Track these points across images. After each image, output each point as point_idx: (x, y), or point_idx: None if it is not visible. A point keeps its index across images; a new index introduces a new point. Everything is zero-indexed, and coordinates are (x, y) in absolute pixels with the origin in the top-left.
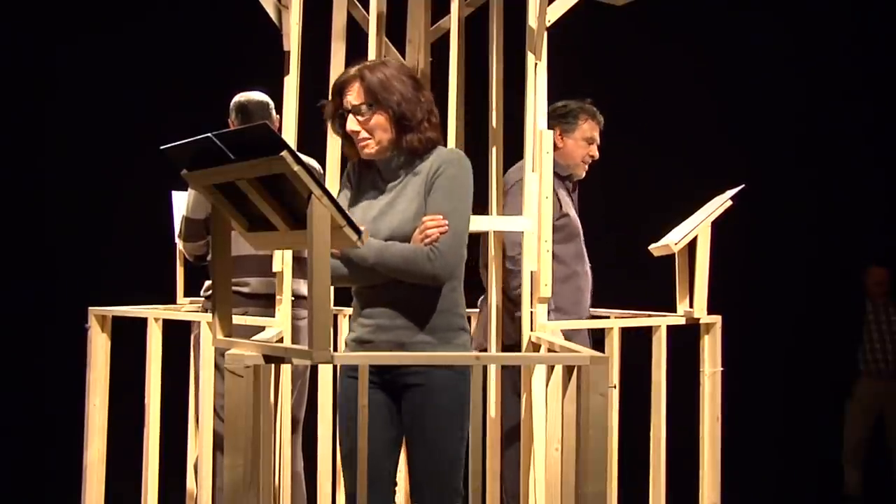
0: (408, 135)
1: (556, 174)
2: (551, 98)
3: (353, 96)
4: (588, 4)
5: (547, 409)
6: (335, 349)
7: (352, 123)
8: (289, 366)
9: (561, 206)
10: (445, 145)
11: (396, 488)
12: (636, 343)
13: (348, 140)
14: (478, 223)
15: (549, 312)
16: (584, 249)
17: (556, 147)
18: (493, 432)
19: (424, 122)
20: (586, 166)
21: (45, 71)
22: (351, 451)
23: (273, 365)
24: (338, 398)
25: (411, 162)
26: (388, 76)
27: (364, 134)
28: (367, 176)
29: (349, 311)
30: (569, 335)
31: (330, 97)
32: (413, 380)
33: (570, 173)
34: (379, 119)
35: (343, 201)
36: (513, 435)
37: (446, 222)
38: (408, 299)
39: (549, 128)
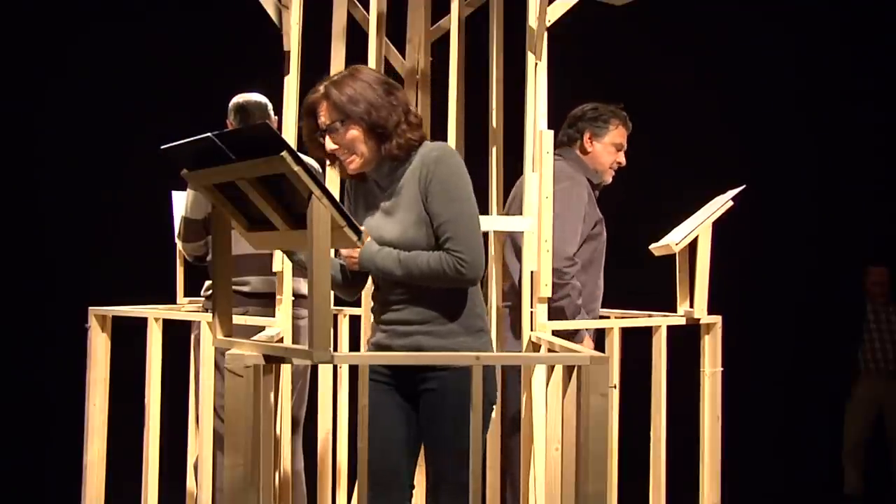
0: (386, 143)
1: (588, 180)
2: (550, 98)
3: (324, 116)
4: (588, 4)
5: (547, 409)
6: (335, 349)
7: (329, 143)
8: (289, 366)
9: (596, 212)
10: (430, 138)
11: (414, 491)
12: (636, 343)
13: (331, 160)
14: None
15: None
16: None
17: (584, 151)
18: (495, 433)
19: (402, 124)
20: (613, 172)
21: (44, 70)
22: (370, 454)
23: (273, 365)
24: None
25: (400, 166)
26: (354, 87)
27: (344, 151)
28: (363, 187)
29: (350, 311)
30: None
31: (303, 119)
32: (429, 384)
33: (601, 181)
34: (353, 133)
35: None
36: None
37: None
38: (425, 303)
39: (578, 130)
